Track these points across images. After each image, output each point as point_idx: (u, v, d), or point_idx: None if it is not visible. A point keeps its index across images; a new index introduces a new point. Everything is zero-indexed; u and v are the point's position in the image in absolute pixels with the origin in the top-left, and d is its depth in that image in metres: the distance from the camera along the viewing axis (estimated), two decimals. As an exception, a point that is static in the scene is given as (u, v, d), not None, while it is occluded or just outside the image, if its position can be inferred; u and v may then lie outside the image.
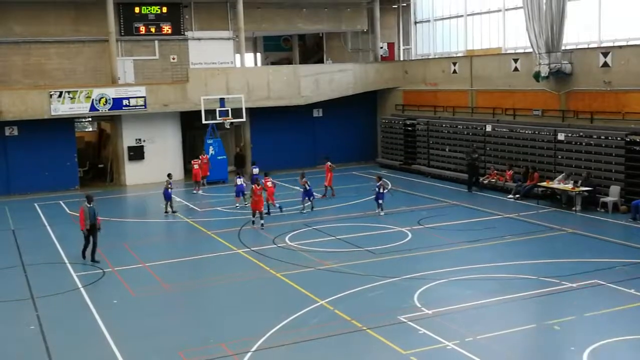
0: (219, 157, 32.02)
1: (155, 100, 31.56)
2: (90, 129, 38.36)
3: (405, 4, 38.94)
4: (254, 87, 33.37)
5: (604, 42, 26.12)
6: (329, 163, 27.35)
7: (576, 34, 27.13)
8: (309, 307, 14.66)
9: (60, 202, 28.45)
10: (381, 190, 23.71)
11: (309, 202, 24.76)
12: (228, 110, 31.62)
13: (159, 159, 32.44)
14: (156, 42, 34.08)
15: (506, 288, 15.53)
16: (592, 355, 11.83)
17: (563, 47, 25.83)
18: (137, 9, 33.39)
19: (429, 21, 36.78)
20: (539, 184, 25.29)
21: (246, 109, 32.68)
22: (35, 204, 28.07)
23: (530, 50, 26.57)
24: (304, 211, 24.43)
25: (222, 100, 31.79)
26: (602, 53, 24.73)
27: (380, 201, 23.72)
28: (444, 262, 17.78)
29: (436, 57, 35.83)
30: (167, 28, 33.97)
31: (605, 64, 24.46)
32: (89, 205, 18.81)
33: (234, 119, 31.88)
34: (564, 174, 24.59)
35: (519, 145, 27.47)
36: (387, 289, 15.79)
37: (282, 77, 34.26)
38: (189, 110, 32.42)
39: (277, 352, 12.55)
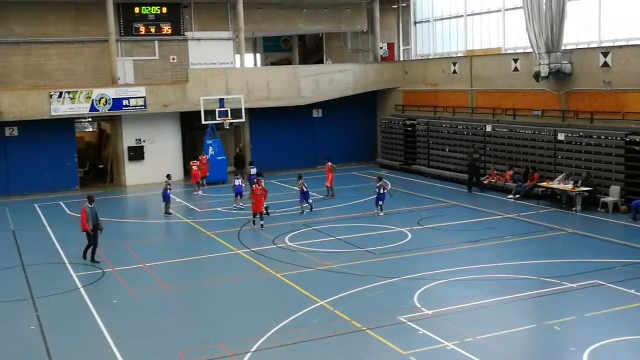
0: (219, 158, 32.01)
1: (155, 101, 31.56)
2: (90, 129, 38.38)
3: (405, 4, 38.95)
4: (254, 88, 33.37)
5: (604, 42, 26.12)
6: (329, 163, 27.35)
7: (576, 34, 27.12)
8: (308, 307, 14.66)
9: (61, 202, 28.45)
10: (381, 191, 23.71)
11: (307, 204, 24.71)
12: (228, 110, 31.63)
13: (159, 159, 32.43)
14: (156, 42, 34.09)
15: (506, 288, 15.53)
16: (592, 355, 11.82)
17: (563, 47, 25.83)
18: (137, 9, 33.41)
19: (428, 21, 36.78)
20: (539, 184, 25.29)
21: (246, 109, 32.68)
22: (36, 205, 28.07)
23: (530, 50, 26.57)
24: (304, 212, 24.40)
25: (221, 100, 31.79)
26: (602, 53, 24.72)
27: (381, 202, 23.71)
28: (443, 262, 17.77)
29: (436, 57, 35.83)
30: (167, 28, 33.98)
31: (605, 64, 24.46)
32: (90, 206, 18.80)
33: (233, 119, 31.88)
34: (564, 174, 24.58)
35: (519, 146, 27.47)
36: (387, 290, 15.78)
37: (281, 78, 34.26)
38: (189, 111, 32.43)
39: (277, 353, 12.55)
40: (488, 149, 28.96)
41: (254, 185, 22.84)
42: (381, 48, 38.17)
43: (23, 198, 29.95)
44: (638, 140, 22.58)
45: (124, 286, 16.87)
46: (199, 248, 20.60)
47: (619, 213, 22.61)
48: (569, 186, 23.78)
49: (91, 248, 18.97)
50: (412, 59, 37.91)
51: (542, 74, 25.73)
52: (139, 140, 32.58)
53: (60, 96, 29.87)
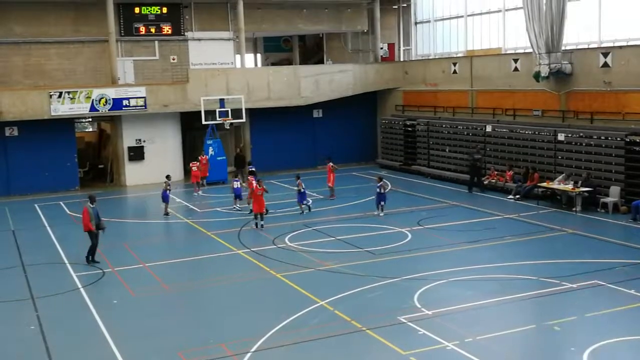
0: (219, 158, 32.01)
1: (155, 101, 31.56)
2: (90, 130, 38.39)
3: (405, 5, 38.95)
4: (254, 88, 33.37)
5: (604, 42, 26.12)
6: (331, 164, 27.32)
7: (576, 34, 27.13)
8: (309, 307, 14.66)
9: (61, 202, 28.45)
10: (382, 191, 23.66)
11: (304, 205, 24.63)
12: (228, 110, 31.61)
13: (159, 159, 32.42)
14: (156, 42, 34.09)
15: (506, 289, 15.52)
16: (592, 355, 11.82)
17: (563, 47, 25.83)
18: (137, 10, 33.40)
19: (429, 22, 36.79)
20: (539, 184, 25.29)
21: (246, 109, 32.68)
22: (36, 205, 28.07)
23: (530, 50, 26.57)
24: (303, 213, 24.38)
25: (222, 100, 31.79)
26: (602, 53, 24.72)
27: (383, 203, 23.65)
28: (444, 262, 17.77)
29: (436, 57, 35.84)
30: (167, 28, 33.97)
31: (605, 64, 24.46)
32: (92, 206, 18.76)
33: (233, 119, 31.88)
34: (564, 175, 24.58)
35: (519, 146, 27.46)
36: (387, 290, 15.78)
37: (282, 78, 34.26)
38: (189, 111, 32.43)
39: (277, 353, 12.55)
40: (488, 149, 28.95)
41: (254, 186, 22.75)
42: (381, 48, 38.17)
43: (23, 198, 29.95)
44: (638, 140, 22.57)
45: (124, 286, 16.86)
46: (199, 248, 20.60)
47: (619, 213, 22.60)
48: (569, 186, 23.77)
49: (91, 248, 18.93)
50: (413, 59, 37.91)
51: (542, 74, 25.73)
52: (139, 140, 32.58)
53: (60, 96, 29.88)
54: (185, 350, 12.70)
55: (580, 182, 23.62)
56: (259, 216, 22.38)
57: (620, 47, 24.63)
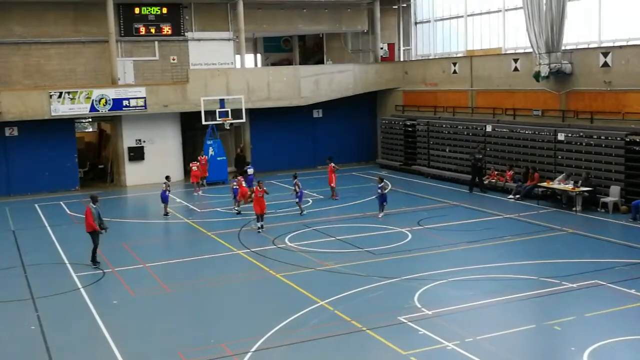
0: (219, 158, 32.00)
1: (155, 101, 31.56)
2: (91, 130, 38.39)
3: (405, 5, 38.93)
4: (254, 88, 33.37)
5: (604, 42, 26.11)
6: (332, 164, 27.30)
7: (576, 34, 27.12)
8: (309, 307, 14.66)
9: (61, 202, 28.45)
10: (383, 192, 23.56)
11: (300, 205, 24.52)
12: (228, 111, 31.61)
13: (159, 159, 32.40)
14: (156, 42, 34.07)
15: (506, 288, 15.52)
16: (592, 355, 11.82)
17: (563, 47, 25.82)
18: (137, 10, 33.37)
19: (429, 22, 36.79)
20: (539, 184, 25.28)
21: (246, 109, 32.68)
22: (36, 205, 28.08)
23: (530, 50, 26.57)
24: (304, 213, 24.35)
25: (222, 101, 31.78)
26: (602, 53, 24.72)
27: (384, 203, 23.59)
28: (444, 262, 17.77)
29: (436, 57, 35.83)
30: (167, 29, 33.96)
31: (606, 64, 24.45)
32: (94, 206, 18.69)
33: (233, 119, 31.88)
34: (564, 174, 24.58)
35: (519, 146, 27.46)
36: (387, 290, 15.78)
37: (282, 78, 34.26)
38: (189, 111, 32.43)
39: (277, 353, 12.55)
40: (488, 149, 28.95)
41: (255, 187, 22.72)
42: (381, 48, 38.15)
43: (23, 198, 29.96)
44: (638, 140, 22.57)
45: (124, 286, 16.86)
46: (199, 248, 20.59)
47: (619, 213, 22.61)
48: (569, 186, 23.77)
49: (92, 249, 18.91)
50: (413, 59, 37.91)
51: (542, 74, 25.73)
52: (139, 140, 32.57)
53: (60, 96, 29.88)
54: (186, 349, 12.70)
55: (580, 181, 23.62)
56: (258, 217, 22.34)
57: (620, 46, 24.63)
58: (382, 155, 36.85)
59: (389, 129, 36.09)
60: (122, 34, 33.12)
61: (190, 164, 30.20)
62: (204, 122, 31.36)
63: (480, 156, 27.85)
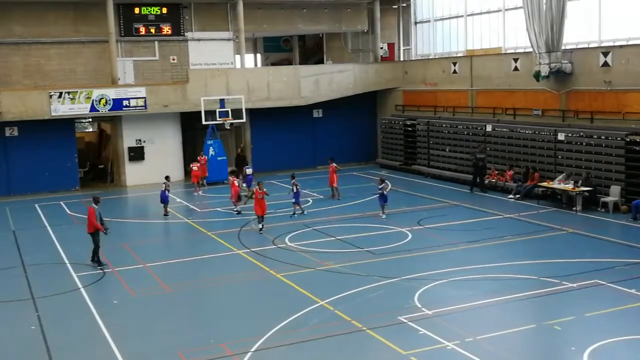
0: (219, 158, 31.99)
1: (155, 101, 31.57)
2: (91, 130, 38.38)
3: (405, 4, 38.93)
4: (254, 88, 33.37)
5: (604, 42, 26.11)
6: (334, 164, 27.28)
7: (576, 34, 27.11)
8: (309, 307, 14.66)
9: (61, 202, 28.45)
10: (384, 193, 23.54)
11: (298, 206, 24.46)
12: (228, 111, 31.61)
13: (159, 159, 32.40)
14: (156, 42, 34.07)
15: (507, 288, 15.52)
16: (592, 355, 11.82)
17: (563, 47, 25.81)
18: (137, 10, 33.38)
19: (429, 21, 36.79)
20: (539, 184, 25.28)
21: (246, 109, 32.68)
22: (36, 205, 28.08)
23: (530, 50, 26.57)
24: (305, 212, 24.34)
25: (222, 101, 31.78)
26: (602, 53, 24.72)
27: (385, 204, 23.56)
28: (444, 262, 17.77)
29: (436, 57, 35.83)
30: (167, 29, 33.96)
31: (606, 64, 24.45)
32: (96, 207, 18.64)
33: (234, 119, 31.88)
34: (564, 174, 24.57)
35: (519, 145, 27.46)
36: (388, 290, 15.78)
37: (282, 78, 34.26)
38: (189, 111, 32.43)
39: (277, 353, 12.55)
40: (488, 148, 28.94)
41: (255, 188, 22.63)
42: (381, 48, 38.15)
43: (23, 198, 29.95)
44: (638, 140, 22.57)
45: (124, 286, 16.86)
46: (199, 248, 20.59)
47: (619, 213, 22.60)
48: (569, 186, 23.77)
49: (93, 249, 18.89)
50: (412, 59, 37.90)
51: (543, 74, 25.73)
52: (139, 140, 32.57)
53: (60, 96, 29.88)
54: (186, 349, 12.70)
55: (580, 181, 23.61)
56: (259, 218, 22.30)
57: (621, 46, 24.62)
58: (382, 155, 36.85)
59: (389, 129, 36.09)
60: (122, 34, 33.13)
61: (191, 165, 30.21)
62: (204, 122, 31.36)
63: (483, 156, 27.84)
